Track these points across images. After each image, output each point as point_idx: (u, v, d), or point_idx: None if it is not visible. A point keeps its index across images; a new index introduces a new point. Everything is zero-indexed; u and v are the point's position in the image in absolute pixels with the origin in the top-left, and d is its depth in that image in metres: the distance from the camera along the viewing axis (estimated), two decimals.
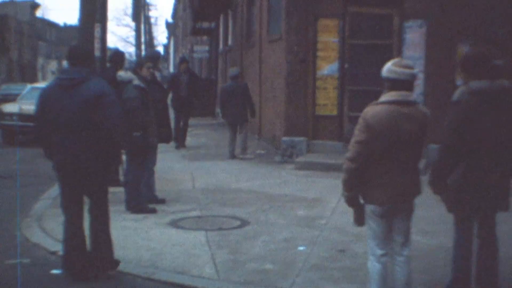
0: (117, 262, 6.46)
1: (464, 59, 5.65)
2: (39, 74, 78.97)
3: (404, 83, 4.87)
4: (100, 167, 6.11)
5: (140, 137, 8.52)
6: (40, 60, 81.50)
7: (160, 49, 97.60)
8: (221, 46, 28.16)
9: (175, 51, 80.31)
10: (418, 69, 11.67)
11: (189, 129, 21.76)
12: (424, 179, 5.20)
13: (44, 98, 6.15)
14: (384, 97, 4.90)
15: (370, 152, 4.84)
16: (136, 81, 8.85)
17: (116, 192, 8.79)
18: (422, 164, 5.13)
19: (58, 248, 7.18)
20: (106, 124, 5.95)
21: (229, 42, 24.92)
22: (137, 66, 9.46)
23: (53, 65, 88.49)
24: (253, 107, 14.64)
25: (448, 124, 5.39)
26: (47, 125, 6.11)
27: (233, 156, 14.11)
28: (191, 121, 25.40)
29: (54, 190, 10.66)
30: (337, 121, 13.56)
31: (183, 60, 17.91)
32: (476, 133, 5.33)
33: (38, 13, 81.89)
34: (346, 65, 13.48)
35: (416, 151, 4.97)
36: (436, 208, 7.87)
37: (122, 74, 9.13)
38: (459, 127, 5.33)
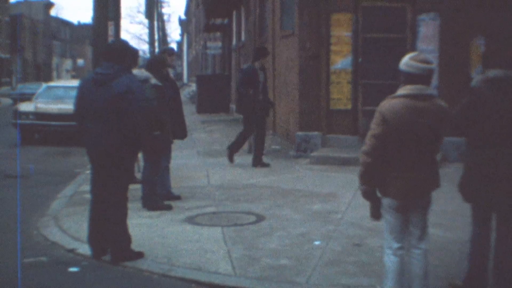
0: (139, 254, 6.67)
1: (484, 53, 5.83)
2: (54, 73, 79.37)
3: (420, 78, 4.84)
4: (124, 158, 6.54)
5: (159, 136, 8.51)
6: (55, 59, 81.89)
7: (174, 46, 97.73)
8: (234, 42, 28.17)
9: (188, 47, 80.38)
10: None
11: (203, 126, 21.85)
12: (442, 172, 5.17)
13: (80, 90, 6.69)
14: (400, 91, 4.90)
15: (386, 146, 4.83)
16: (153, 80, 8.75)
17: (131, 190, 8.78)
18: (439, 157, 5.10)
19: (76, 246, 7.23)
20: (129, 120, 6.37)
21: (242, 38, 24.91)
22: (159, 63, 9.26)
23: (68, 63, 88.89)
24: None
25: (461, 105, 5.52)
26: (82, 115, 6.64)
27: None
28: (204, 116, 25.57)
29: (71, 189, 10.73)
30: (351, 115, 13.50)
31: (264, 52, 12.69)
32: (489, 119, 5.39)
33: (52, 12, 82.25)
34: (359, 59, 13.42)
35: (432, 144, 4.94)
36: (452, 201, 7.83)
37: (137, 73, 8.96)
38: (470, 110, 5.44)
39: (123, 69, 6.53)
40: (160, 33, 64.63)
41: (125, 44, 6.99)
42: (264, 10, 19.44)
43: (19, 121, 17.66)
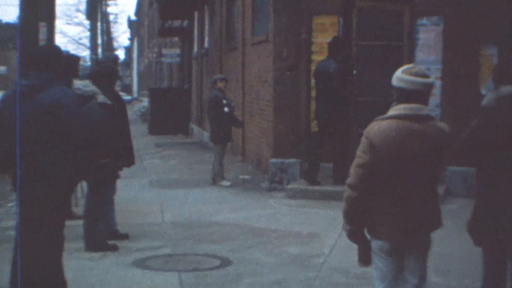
0: None
1: (497, 66, 5.92)
2: None
3: (416, 94, 4.84)
4: (59, 187, 6.39)
5: (108, 164, 8.50)
6: None
7: (121, 52, 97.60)
8: (195, 49, 28.26)
9: (139, 55, 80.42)
10: (434, 76, 11.76)
11: (157, 150, 21.85)
12: (445, 208, 5.23)
13: (3, 107, 6.57)
14: (392, 111, 4.90)
15: (375, 177, 4.85)
16: (101, 97, 8.66)
17: (68, 226, 8.73)
18: (441, 190, 5.16)
19: None
20: (63, 142, 6.24)
21: (205, 44, 25.02)
22: (110, 75, 9.20)
23: None
24: None
25: (470, 127, 5.63)
26: (7, 136, 6.43)
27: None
28: (159, 139, 25.54)
29: None
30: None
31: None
32: (503, 145, 5.49)
33: None
34: None
35: (431, 175, 4.97)
36: (458, 242, 7.93)
37: (81, 85, 8.73)
38: (481, 134, 5.53)
39: (53, 78, 6.42)
40: (105, 37, 64.62)
41: (56, 48, 6.97)
42: (233, 11, 19.58)
43: None
